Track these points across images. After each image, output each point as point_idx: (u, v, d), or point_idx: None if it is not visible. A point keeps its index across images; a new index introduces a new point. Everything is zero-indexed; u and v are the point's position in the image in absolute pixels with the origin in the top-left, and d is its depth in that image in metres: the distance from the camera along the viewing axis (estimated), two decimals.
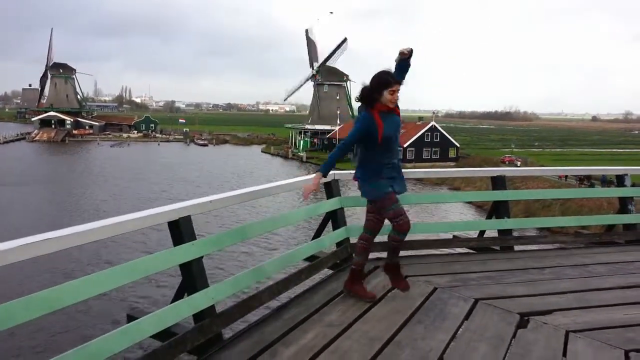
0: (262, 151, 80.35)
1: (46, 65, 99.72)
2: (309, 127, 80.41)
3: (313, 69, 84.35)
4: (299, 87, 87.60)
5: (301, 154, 69.78)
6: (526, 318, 3.31)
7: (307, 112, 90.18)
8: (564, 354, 2.85)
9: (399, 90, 3.38)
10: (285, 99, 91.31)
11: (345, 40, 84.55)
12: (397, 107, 3.44)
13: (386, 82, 3.35)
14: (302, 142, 75.91)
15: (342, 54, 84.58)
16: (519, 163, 49.46)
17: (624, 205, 5.83)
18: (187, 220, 3.02)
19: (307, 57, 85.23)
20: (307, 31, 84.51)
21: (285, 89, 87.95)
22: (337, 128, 71.96)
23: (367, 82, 3.42)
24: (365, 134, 3.37)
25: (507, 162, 54.36)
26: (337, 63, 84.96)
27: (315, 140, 77.41)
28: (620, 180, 5.91)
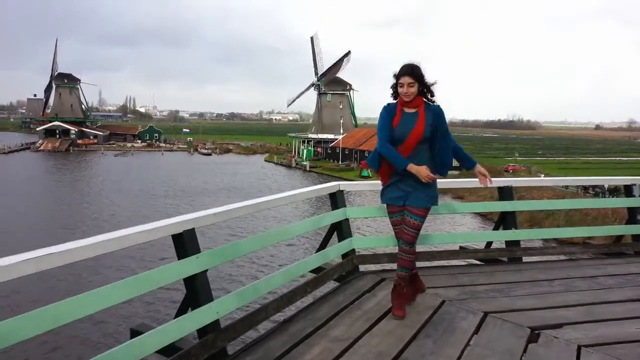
0: (265, 160, 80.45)
1: (51, 76, 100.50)
2: (313, 136, 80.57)
3: (317, 77, 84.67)
4: (300, 95, 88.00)
5: (305, 163, 69.81)
6: (537, 332, 3.24)
7: (311, 121, 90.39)
8: None
9: (409, 84, 3.29)
10: (288, 106, 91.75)
11: (349, 52, 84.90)
12: (427, 106, 3.34)
13: (398, 73, 3.35)
14: (305, 151, 75.99)
15: (347, 65, 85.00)
16: (542, 175, 48.47)
17: (632, 215, 5.75)
18: (191, 233, 2.98)
19: (311, 66, 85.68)
20: (312, 38, 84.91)
21: (288, 98, 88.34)
22: (340, 137, 72.08)
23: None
24: (387, 123, 3.36)
25: (511, 171, 54.11)
26: (342, 73, 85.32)
27: (319, 149, 77.51)
28: (628, 191, 5.85)
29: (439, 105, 3.42)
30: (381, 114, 3.43)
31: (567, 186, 37.82)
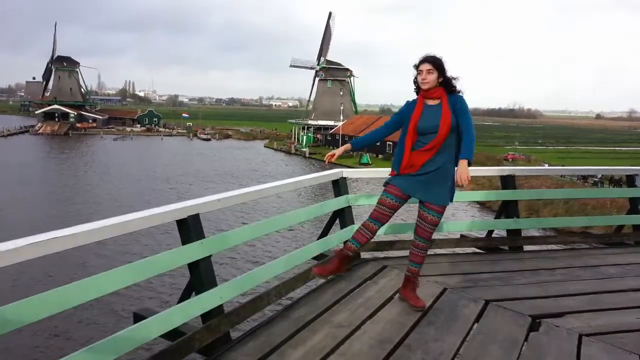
0: (265, 146, 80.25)
1: (50, 58, 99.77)
2: (312, 122, 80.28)
3: (317, 61, 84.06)
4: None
5: (304, 149, 69.65)
6: (538, 321, 3.26)
7: (310, 107, 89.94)
8: (578, 359, 2.81)
9: (428, 70, 3.20)
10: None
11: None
12: (445, 92, 3.24)
13: (418, 62, 3.28)
14: (305, 137, 75.77)
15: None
16: (546, 165, 48.52)
17: (634, 205, 5.76)
18: (195, 218, 2.98)
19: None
20: (330, 14, 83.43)
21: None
22: (340, 124, 71.88)
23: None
24: (402, 117, 3.32)
25: (510, 160, 54.08)
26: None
27: (319, 135, 77.31)
28: (630, 181, 5.85)
29: (459, 94, 3.32)
30: (401, 108, 3.42)
31: (564, 175, 37.87)
